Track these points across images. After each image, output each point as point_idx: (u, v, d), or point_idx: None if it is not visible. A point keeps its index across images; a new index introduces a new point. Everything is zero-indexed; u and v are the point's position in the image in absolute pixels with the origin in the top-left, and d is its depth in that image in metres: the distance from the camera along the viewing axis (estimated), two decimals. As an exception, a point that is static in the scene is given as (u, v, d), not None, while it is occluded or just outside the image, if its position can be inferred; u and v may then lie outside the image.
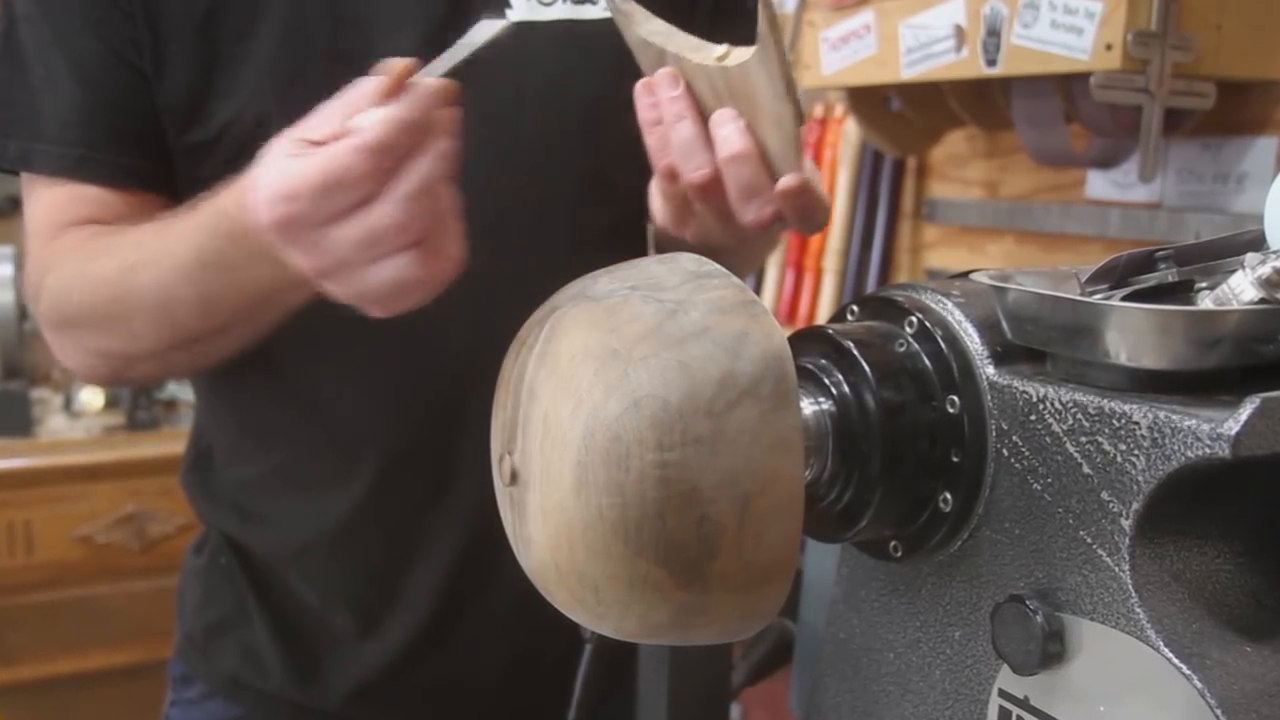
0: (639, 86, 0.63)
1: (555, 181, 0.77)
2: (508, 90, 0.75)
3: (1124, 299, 0.43)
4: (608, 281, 0.43)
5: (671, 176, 0.61)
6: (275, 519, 0.83)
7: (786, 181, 0.57)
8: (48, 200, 0.75)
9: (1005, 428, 0.44)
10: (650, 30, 0.64)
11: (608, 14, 0.67)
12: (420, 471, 0.79)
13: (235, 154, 0.73)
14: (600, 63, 0.74)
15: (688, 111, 0.61)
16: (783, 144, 0.57)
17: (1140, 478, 0.40)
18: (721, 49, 0.62)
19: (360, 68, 0.65)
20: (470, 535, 0.80)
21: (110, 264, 0.68)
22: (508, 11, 0.75)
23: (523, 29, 0.73)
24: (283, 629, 0.84)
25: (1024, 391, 0.43)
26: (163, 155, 0.74)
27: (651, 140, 0.62)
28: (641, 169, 0.66)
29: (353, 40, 0.73)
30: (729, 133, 0.58)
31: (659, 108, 0.61)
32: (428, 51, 0.60)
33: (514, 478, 0.43)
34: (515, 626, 0.83)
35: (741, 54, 0.59)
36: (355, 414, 0.79)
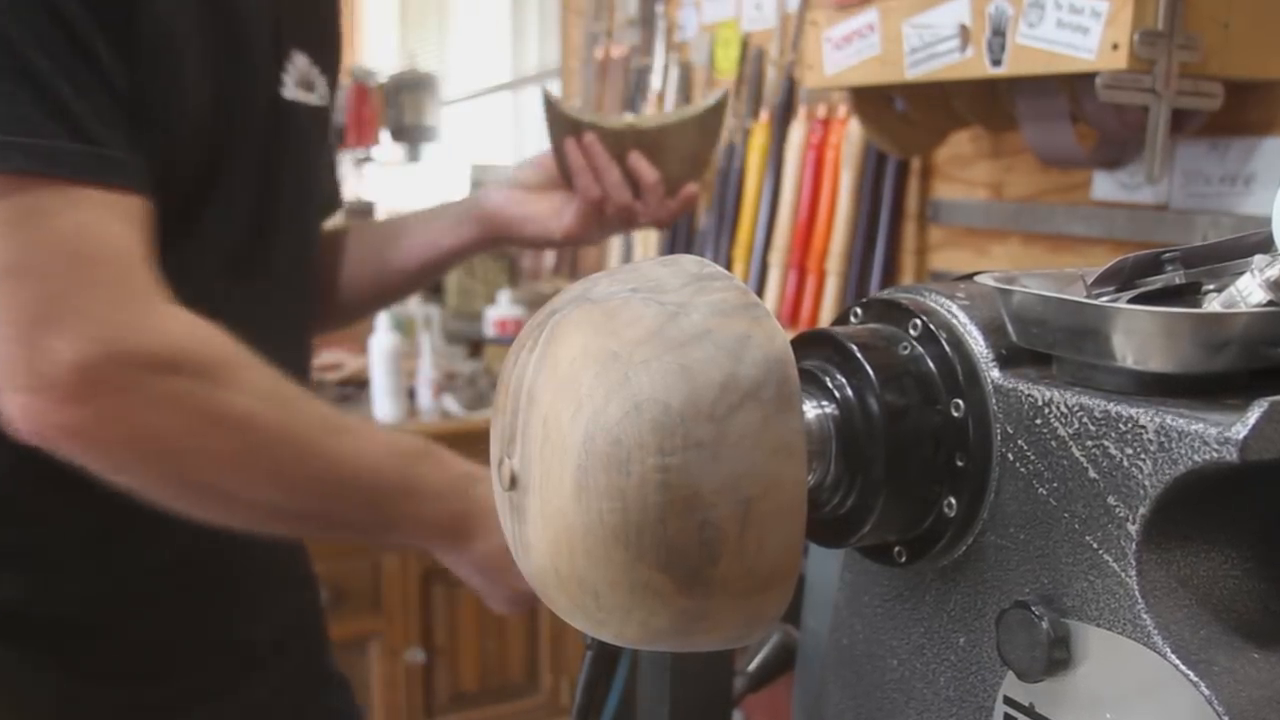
0: (570, 144, 0.96)
1: (314, 230, 1.00)
2: (305, 159, 0.92)
3: (1130, 301, 0.43)
4: (608, 284, 0.43)
5: (601, 203, 0.98)
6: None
7: (690, 190, 1.01)
8: (108, 216, 0.67)
9: (1010, 431, 0.44)
10: (571, 108, 0.99)
11: (322, 104, 0.93)
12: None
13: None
14: (327, 142, 0.99)
15: (611, 161, 0.97)
16: (690, 175, 1.02)
17: (1147, 482, 0.39)
18: (630, 117, 1.03)
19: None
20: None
21: (315, 413, 0.74)
22: (282, 90, 0.87)
23: (295, 108, 0.89)
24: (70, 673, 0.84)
25: (1029, 395, 0.43)
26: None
27: (583, 180, 0.97)
28: None
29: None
30: (646, 170, 0.98)
31: (592, 158, 0.96)
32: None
33: (513, 482, 0.42)
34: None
35: (649, 119, 1.02)
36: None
